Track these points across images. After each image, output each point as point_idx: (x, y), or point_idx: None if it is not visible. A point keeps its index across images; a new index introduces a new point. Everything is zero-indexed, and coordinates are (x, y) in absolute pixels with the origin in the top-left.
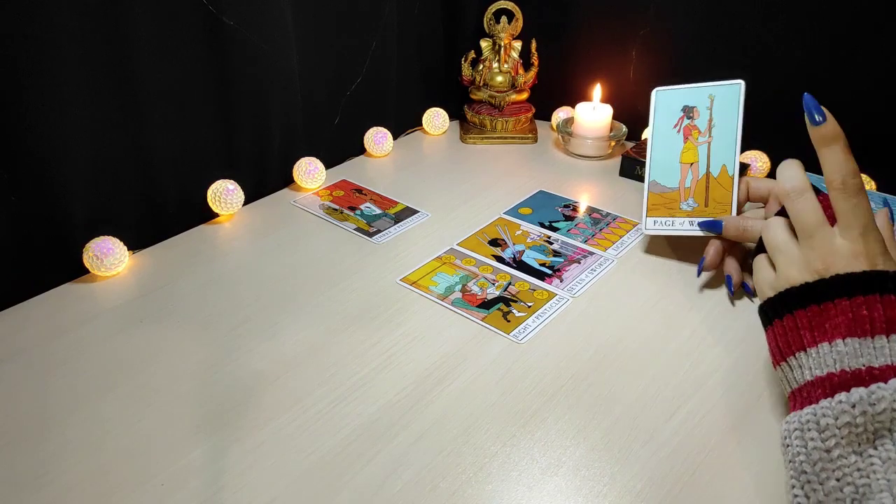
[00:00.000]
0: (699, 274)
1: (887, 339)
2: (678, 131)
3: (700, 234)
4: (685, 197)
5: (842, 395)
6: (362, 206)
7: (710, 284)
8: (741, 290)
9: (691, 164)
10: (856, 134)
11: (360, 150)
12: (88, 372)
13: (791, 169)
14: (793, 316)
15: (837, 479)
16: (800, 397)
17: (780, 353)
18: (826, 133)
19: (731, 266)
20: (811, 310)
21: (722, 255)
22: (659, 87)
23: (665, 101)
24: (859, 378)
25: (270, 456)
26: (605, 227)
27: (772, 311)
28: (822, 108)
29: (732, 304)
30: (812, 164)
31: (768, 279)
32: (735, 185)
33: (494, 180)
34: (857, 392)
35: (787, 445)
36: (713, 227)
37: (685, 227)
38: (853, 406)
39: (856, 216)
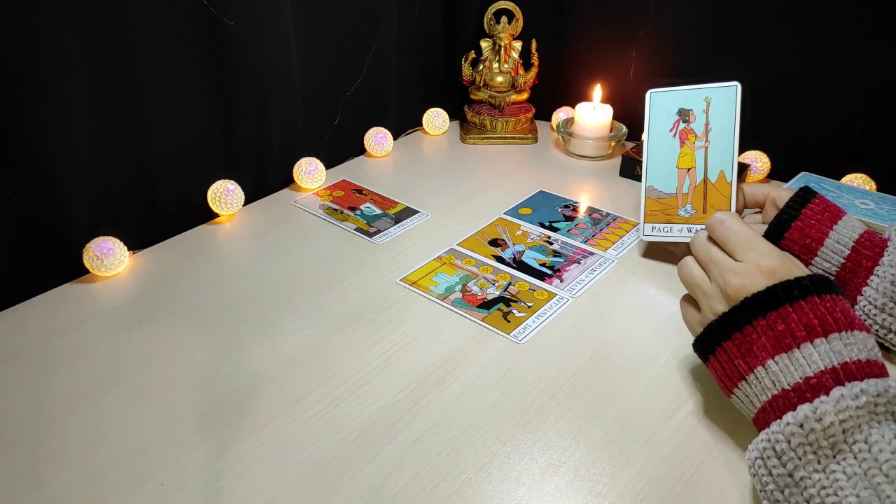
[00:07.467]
0: None
1: (811, 344)
2: (674, 135)
3: None
4: (683, 203)
5: (789, 416)
6: (362, 207)
7: None
8: None
9: (688, 169)
10: (856, 134)
11: (360, 150)
12: (88, 372)
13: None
14: (723, 348)
15: (807, 501)
16: (757, 425)
17: (726, 386)
18: None
19: None
20: (736, 338)
21: None
22: (653, 89)
23: (660, 102)
24: (800, 392)
25: (270, 456)
26: (605, 228)
27: (704, 348)
28: None
29: None
30: (810, 163)
31: (696, 317)
32: (733, 192)
33: (494, 180)
34: (802, 410)
35: (754, 475)
36: None
37: (683, 234)
38: (801, 426)
39: (738, 234)
